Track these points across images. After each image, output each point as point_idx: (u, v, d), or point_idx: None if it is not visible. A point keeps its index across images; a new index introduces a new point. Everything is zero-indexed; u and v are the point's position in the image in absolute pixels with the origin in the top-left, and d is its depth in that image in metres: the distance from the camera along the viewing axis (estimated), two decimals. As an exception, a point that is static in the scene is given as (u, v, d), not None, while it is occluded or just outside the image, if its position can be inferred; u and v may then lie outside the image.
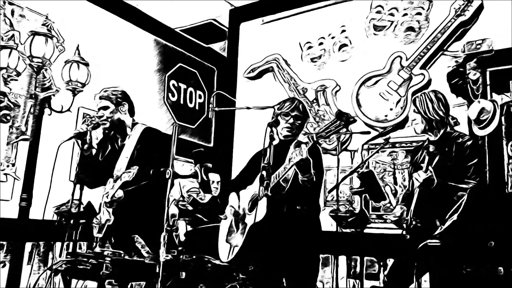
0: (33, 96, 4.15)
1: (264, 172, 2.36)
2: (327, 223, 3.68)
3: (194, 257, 2.59)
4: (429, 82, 4.49)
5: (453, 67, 4.34)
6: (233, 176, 3.31)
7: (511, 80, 4.03)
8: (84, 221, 2.81)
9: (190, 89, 6.10)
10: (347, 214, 3.52)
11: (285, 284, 2.62)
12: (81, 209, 2.70)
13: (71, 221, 2.71)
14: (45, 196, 2.72)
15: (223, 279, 2.60)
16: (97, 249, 2.56)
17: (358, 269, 4.13)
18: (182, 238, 3.70)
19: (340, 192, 4.59)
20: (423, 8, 4.73)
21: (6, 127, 4.04)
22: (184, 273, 2.48)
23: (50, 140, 4.07)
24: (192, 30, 6.36)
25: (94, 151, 3.08)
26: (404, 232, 2.83)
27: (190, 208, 3.14)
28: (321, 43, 5.30)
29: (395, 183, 4.51)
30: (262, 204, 2.52)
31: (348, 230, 3.61)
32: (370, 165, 4.59)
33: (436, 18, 4.59)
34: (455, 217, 2.46)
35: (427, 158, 2.63)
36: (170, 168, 2.38)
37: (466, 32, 4.40)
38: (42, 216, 2.74)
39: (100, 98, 3.06)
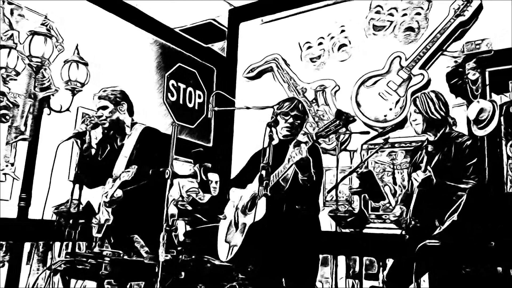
0: (32, 96, 4.14)
1: (263, 172, 2.36)
2: (327, 223, 3.69)
3: (193, 257, 2.59)
4: (428, 82, 4.50)
5: (452, 67, 4.34)
6: (233, 176, 3.31)
7: (510, 80, 4.04)
8: (83, 221, 2.80)
9: (190, 89, 6.10)
10: (346, 214, 3.52)
11: (284, 284, 2.62)
12: (80, 209, 2.69)
13: (70, 221, 2.70)
14: (44, 196, 2.72)
15: (222, 279, 2.59)
16: (96, 249, 2.56)
17: (357, 269, 4.13)
18: (181, 238, 3.69)
19: (339, 192, 4.59)
20: (422, 8, 4.73)
21: (5, 127, 4.03)
22: (183, 273, 2.48)
23: (49, 140, 4.06)
24: (192, 30, 6.36)
25: (93, 151, 3.08)
26: (403, 232, 2.83)
27: (189, 208, 3.14)
28: (320, 43, 5.30)
29: (394, 183, 4.51)
30: (262, 204, 2.52)
31: (347, 230, 3.61)
32: (370, 165, 4.59)
33: (436, 18, 4.60)
34: (454, 217, 2.46)
35: (425, 158, 2.63)
36: (169, 168, 2.38)
37: (466, 32, 4.41)
38: (41, 216, 2.74)
39: (99, 98, 3.06)
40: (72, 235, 2.66)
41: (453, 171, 2.60)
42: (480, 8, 4.35)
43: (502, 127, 3.94)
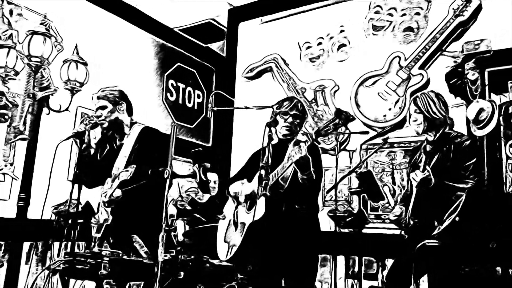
0: (31, 96, 4.14)
1: (262, 172, 2.35)
2: (326, 223, 3.69)
3: (192, 257, 2.59)
4: (427, 82, 4.50)
5: (452, 67, 4.34)
6: (232, 175, 3.31)
7: (509, 81, 4.04)
8: (82, 220, 2.80)
9: (189, 88, 6.10)
10: (346, 214, 3.53)
11: (283, 284, 2.62)
12: (79, 209, 2.69)
13: (69, 221, 2.70)
14: (43, 195, 2.71)
15: (222, 279, 2.59)
16: (95, 249, 2.55)
17: (356, 269, 4.13)
18: (181, 238, 3.69)
19: (339, 192, 4.59)
20: (421, 8, 4.73)
21: (4, 127, 4.03)
22: (182, 273, 2.48)
23: (48, 139, 4.05)
24: (191, 30, 6.36)
25: (92, 151, 3.08)
26: (402, 232, 2.83)
27: (188, 208, 3.14)
28: (320, 43, 5.30)
29: (394, 183, 4.51)
30: (261, 203, 2.52)
31: (346, 230, 3.61)
32: (369, 165, 4.60)
33: (435, 18, 4.60)
34: (453, 217, 2.46)
35: (424, 157, 2.64)
36: (168, 167, 2.38)
37: (465, 32, 4.41)
38: (40, 215, 2.74)
39: (98, 97, 3.05)
40: (71, 235, 2.66)
41: (452, 171, 2.60)
42: (479, 8, 4.35)
43: (501, 127, 3.95)
